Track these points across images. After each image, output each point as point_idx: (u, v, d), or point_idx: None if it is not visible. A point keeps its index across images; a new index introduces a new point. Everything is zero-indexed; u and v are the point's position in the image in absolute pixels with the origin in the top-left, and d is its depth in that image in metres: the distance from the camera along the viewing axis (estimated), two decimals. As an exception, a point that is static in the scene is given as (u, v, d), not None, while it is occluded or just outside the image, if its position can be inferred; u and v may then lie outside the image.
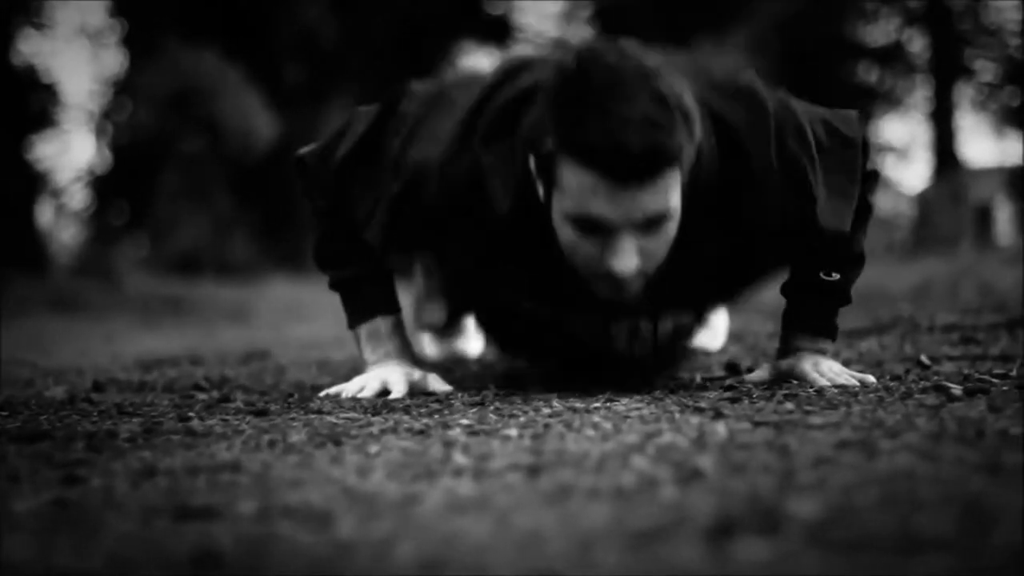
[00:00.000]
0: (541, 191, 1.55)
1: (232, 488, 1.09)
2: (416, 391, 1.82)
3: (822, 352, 1.86)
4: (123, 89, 17.28)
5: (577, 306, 1.73)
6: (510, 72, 1.67)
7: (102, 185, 18.46)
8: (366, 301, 1.88)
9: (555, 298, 1.73)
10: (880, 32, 20.25)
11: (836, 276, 1.84)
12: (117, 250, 14.91)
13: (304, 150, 1.89)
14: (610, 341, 1.79)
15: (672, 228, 1.54)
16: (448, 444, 1.29)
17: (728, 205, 1.65)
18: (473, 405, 1.64)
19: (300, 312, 7.81)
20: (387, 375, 1.82)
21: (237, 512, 0.97)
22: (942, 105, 18.64)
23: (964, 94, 19.21)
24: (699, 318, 2.15)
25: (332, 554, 0.83)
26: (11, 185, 11.32)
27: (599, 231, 1.50)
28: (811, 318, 1.88)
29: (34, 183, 13.72)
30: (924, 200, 15.95)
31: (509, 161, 1.60)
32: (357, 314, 1.89)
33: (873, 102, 20.20)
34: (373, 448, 1.28)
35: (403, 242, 1.77)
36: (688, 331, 2.13)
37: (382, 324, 1.87)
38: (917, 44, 19.89)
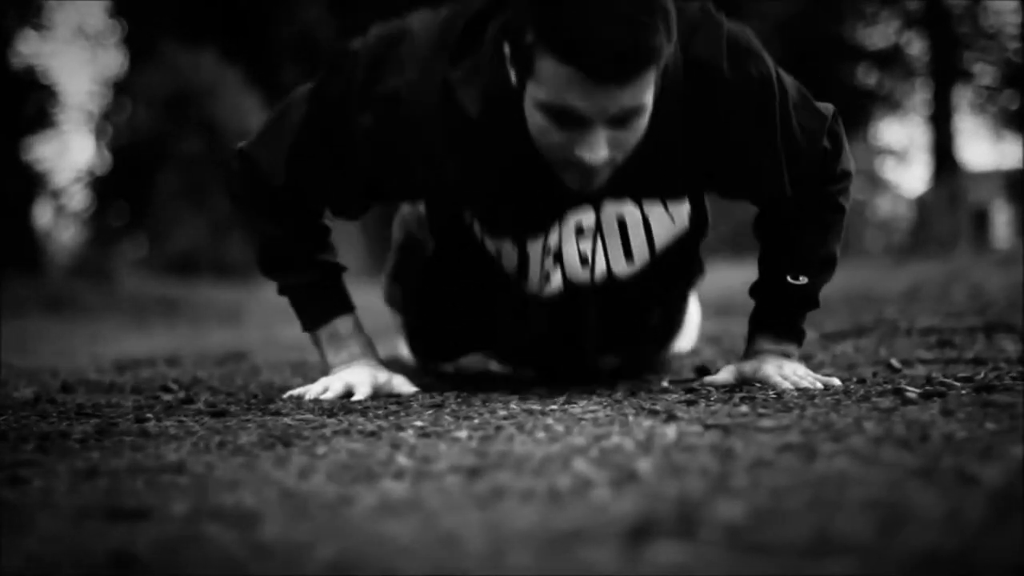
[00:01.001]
0: (514, 77, 1.53)
1: (170, 489, 1.09)
2: (381, 393, 1.80)
3: (787, 355, 1.84)
4: (122, 90, 17.31)
5: (538, 215, 1.71)
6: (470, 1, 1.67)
7: (102, 186, 18.47)
8: (321, 304, 1.86)
9: (516, 212, 1.71)
10: (879, 35, 20.25)
11: (804, 280, 1.82)
12: (114, 251, 14.92)
13: (243, 143, 1.83)
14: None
15: (643, 122, 1.53)
16: (396, 446, 1.29)
17: (690, 106, 1.64)
18: (432, 407, 1.63)
19: (292, 313, 7.81)
20: (351, 377, 1.79)
21: (168, 513, 0.97)
22: (941, 108, 18.64)
23: (963, 97, 19.21)
24: (669, 322, 2.13)
25: (250, 555, 0.83)
26: (8, 186, 11.33)
27: (572, 122, 1.49)
28: (777, 321, 1.86)
29: (31, 184, 13.74)
30: (922, 203, 15.94)
31: (476, 72, 1.60)
32: (313, 318, 1.86)
33: (873, 104, 20.20)
34: (321, 450, 1.28)
35: (379, 184, 1.74)
36: (657, 332, 2.12)
37: (341, 325, 1.85)
38: (916, 47, 19.89)
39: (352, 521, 0.93)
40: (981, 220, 18.64)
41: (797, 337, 1.87)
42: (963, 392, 1.58)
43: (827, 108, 1.79)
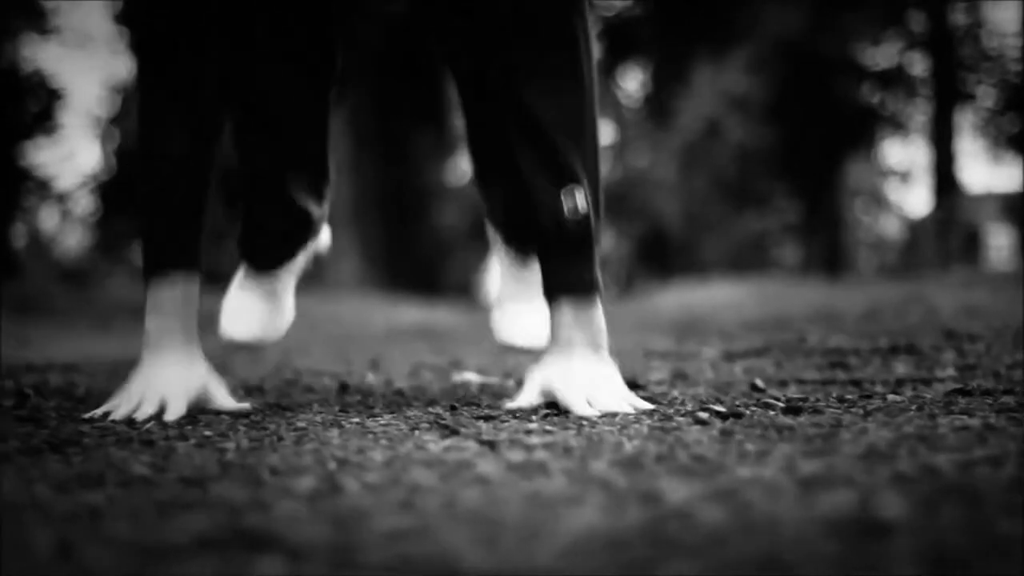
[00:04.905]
0: None
1: None
2: (198, 408, 1.67)
3: (596, 345, 1.68)
4: (129, 95, 17.43)
5: None
6: None
7: (107, 191, 18.60)
8: (162, 248, 1.67)
9: None
10: (882, 55, 20.23)
11: (580, 206, 1.63)
12: (117, 256, 14.98)
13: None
14: None
15: None
16: (158, 455, 1.29)
17: None
18: (238, 416, 1.63)
19: (266, 321, 7.82)
20: (165, 388, 1.64)
21: None
22: (942, 129, 18.59)
23: (965, 119, 19.17)
24: None
25: None
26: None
27: None
28: (570, 275, 1.66)
29: (17, 188, 13.82)
30: (915, 224, 15.90)
31: None
32: (149, 264, 1.67)
33: (876, 125, 20.17)
34: (77, 459, 1.28)
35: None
36: None
37: (169, 292, 1.67)
38: (918, 67, 19.87)
39: (7, 527, 0.93)
40: (972, 242, 18.57)
41: (595, 287, 1.68)
42: (771, 413, 1.57)
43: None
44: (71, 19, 23.35)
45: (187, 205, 1.69)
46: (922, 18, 19.40)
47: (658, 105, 21.17)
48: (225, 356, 3.76)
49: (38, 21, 15.99)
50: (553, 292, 1.69)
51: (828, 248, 19.05)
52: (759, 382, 2.16)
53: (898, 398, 1.72)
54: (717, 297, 10.62)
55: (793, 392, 2.07)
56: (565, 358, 1.68)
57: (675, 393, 2.08)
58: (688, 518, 0.90)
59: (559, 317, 1.68)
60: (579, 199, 1.63)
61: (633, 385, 2.18)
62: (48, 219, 18.09)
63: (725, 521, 0.89)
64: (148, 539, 0.87)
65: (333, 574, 0.77)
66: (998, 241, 19.10)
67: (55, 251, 18.45)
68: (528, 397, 1.70)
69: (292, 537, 0.86)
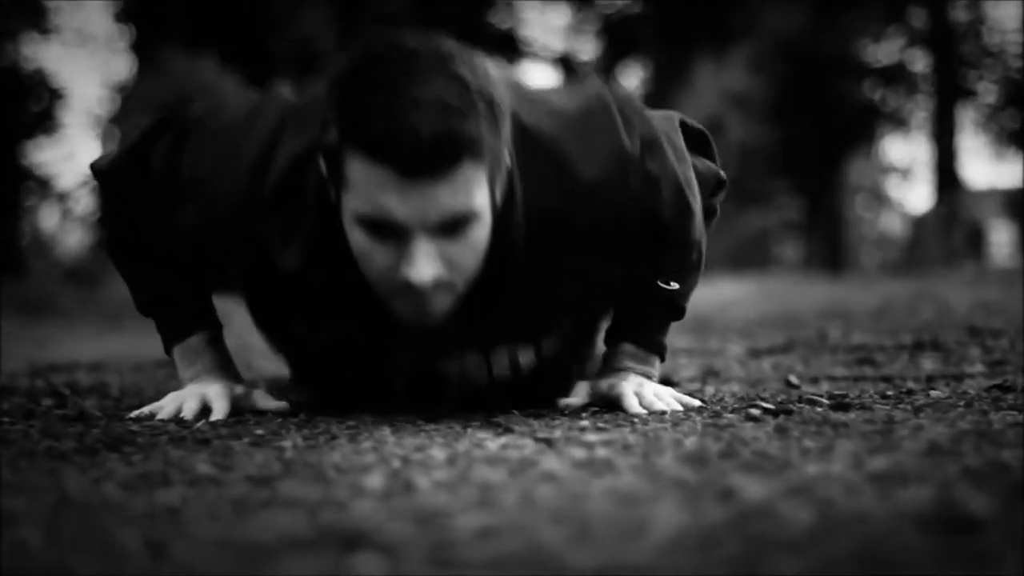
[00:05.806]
0: (333, 196, 1.40)
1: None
2: (244, 409, 1.66)
3: (648, 375, 1.72)
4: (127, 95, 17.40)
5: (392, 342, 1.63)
6: (295, 114, 1.51)
7: (106, 190, 18.48)
8: (179, 321, 1.70)
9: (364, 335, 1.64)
10: (884, 51, 20.24)
11: (675, 286, 1.70)
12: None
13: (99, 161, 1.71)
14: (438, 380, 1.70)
15: (480, 234, 1.39)
16: (215, 453, 1.29)
17: (552, 220, 1.51)
18: (286, 415, 1.63)
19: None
20: (205, 391, 1.64)
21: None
22: (944, 126, 18.61)
23: (966, 115, 19.18)
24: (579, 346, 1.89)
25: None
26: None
27: (392, 235, 1.35)
28: (641, 332, 1.73)
29: (22, 187, 13.80)
30: (918, 221, 15.92)
31: (297, 222, 1.48)
32: (171, 336, 1.71)
33: (877, 121, 20.19)
34: (137, 457, 1.28)
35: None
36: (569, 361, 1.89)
37: (196, 340, 1.69)
38: (920, 64, 19.89)
39: (89, 527, 0.93)
40: (976, 238, 18.58)
41: (659, 350, 1.75)
42: (818, 410, 1.57)
43: (711, 174, 1.73)
44: (71, 19, 23.30)
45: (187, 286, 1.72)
46: (923, 15, 19.41)
47: (659, 103, 21.14)
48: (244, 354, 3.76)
49: (38, 21, 15.96)
50: (618, 339, 1.74)
51: (829, 245, 19.06)
52: (793, 378, 2.17)
53: (942, 394, 1.72)
54: (722, 294, 10.61)
55: (827, 388, 2.07)
56: (614, 375, 1.72)
57: (710, 390, 2.09)
58: (772, 515, 0.90)
59: (618, 349, 1.73)
60: (672, 287, 1.71)
61: (667, 382, 2.19)
62: (49, 218, 18.08)
63: (810, 518, 0.89)
64: (235, 538, 0.87)
65: (433, 573, 0.77)
66: (1000, 237, 19.11)
67: (56, 250, 18.42)
68: (577, 399, 1.70)
69: (382, 535, 0.86)
